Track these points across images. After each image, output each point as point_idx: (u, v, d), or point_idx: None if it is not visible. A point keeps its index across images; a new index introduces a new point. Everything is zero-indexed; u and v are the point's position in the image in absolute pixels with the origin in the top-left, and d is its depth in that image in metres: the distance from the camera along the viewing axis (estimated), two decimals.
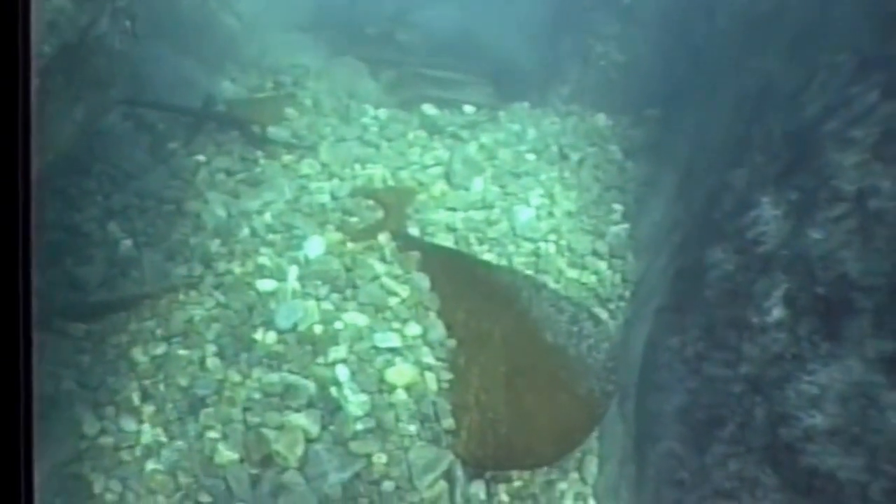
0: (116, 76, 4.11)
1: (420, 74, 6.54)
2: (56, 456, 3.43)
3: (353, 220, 4.94)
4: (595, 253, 4.94)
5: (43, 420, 3.54)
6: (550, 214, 5.20)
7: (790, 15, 4.44)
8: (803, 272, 3.27)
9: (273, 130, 5.45)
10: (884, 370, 2.71)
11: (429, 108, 6.23)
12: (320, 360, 4.03)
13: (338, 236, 4.76)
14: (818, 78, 3.85)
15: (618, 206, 5.35)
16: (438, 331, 4.25)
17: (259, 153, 5.30)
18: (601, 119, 6.26)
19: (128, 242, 4.52)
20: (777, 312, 3.28)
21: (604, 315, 4.43)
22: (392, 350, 4.11)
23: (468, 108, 6.34)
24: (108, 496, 3.41)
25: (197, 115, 5.46)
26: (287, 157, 5.33)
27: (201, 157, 5.18)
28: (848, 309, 2.97)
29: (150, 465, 3.53)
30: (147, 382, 3.83)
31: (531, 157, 5.82)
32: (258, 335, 4.11)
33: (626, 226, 5.14)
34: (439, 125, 6.07)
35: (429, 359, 4.12)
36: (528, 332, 4.00)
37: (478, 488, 3.63)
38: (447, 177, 5.44)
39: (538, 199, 5.31)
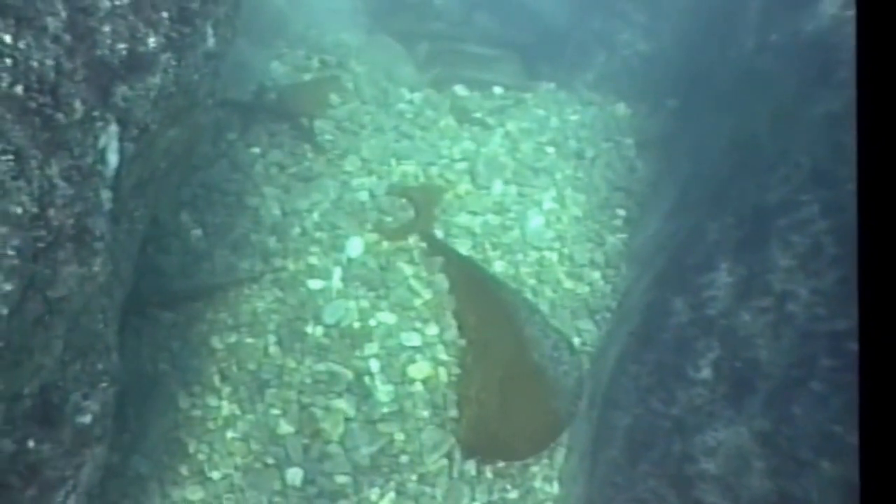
0: None
1: (453, 51, 7.51)
2: (161, 425, 5.06)
3: (388, 219, 6.25)
4: (592, 263, 6.22)
5: (148, 397, 5.17)
6: (559, 219, 6.44)
7: (782, 84, 5.38)
8: (730, 345, 4.60)
9: (319, 124, 6.62)
10: (759, 443, 4.14)
11: (460, 89, 7.30)
12: (357, 353, 5.49)
13: (374, 236, 6.09)
14: (783, 169, 4.92)
15: (621, 212, 6.55)
16: (453, 331, 5.68)
17: (307, 146, 6.52)
18: (621, 108, 7.28)
19: (198, 232, 5.88)
20: (706, 372, 4.65)
21: (590, 326, 5.84)
22: (414, 348, 5.60)
23: (497, 90, 7.39)
24: (200, 456, 5.02)
25: (250, 107, 6.61)
26: (332, 153, 6.55)
27: (257, 150, 6.40)
28: (749, 387, 4.33)
29: (230, 434, 5.09)
30: (223, 366, 5.32)
31: (550, 150, 6.95)
32: (309, 328, 5.56)
33: (624, 235, 6.38)
34: (469, 109, 7.16)
35: (443, 355, 5.59)
36: (519, 348, 5.45)
37: (470, 466, 5.20)
38: (471, 175, 6.64)
39: (550, 203, 6.53)
